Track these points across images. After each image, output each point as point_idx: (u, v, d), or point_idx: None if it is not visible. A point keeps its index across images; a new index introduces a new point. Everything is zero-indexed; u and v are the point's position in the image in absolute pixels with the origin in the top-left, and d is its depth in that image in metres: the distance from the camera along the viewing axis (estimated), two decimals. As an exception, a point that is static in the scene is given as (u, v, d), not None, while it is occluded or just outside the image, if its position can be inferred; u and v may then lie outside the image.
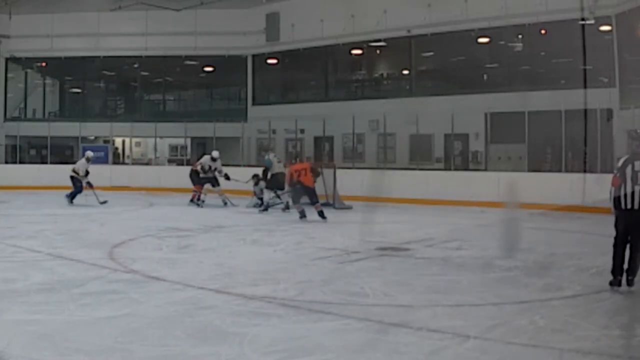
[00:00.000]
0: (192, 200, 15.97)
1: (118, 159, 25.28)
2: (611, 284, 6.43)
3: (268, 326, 5.05)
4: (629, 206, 6.33)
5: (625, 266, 6.36)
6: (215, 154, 16.26)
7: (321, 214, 12.55)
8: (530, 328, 5.06)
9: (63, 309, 5.52)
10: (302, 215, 12.77)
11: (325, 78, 24.40)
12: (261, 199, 15.18)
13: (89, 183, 15.81)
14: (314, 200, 12.91)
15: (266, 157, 15.64)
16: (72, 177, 15.93)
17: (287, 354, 4.41)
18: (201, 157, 17.11)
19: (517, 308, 5.75)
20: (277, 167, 15.13)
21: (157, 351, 4.46)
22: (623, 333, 5.01)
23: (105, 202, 15.56)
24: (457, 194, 16.15)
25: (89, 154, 16.55)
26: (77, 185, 15.85)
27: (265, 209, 14.29)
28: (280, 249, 9.25)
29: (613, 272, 6.42)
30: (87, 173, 15.90)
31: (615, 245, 6.45)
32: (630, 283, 6.35)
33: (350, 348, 4.61)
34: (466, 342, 4.68)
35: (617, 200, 6.44)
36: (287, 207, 14.15)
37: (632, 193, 6.28)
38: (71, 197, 15.75)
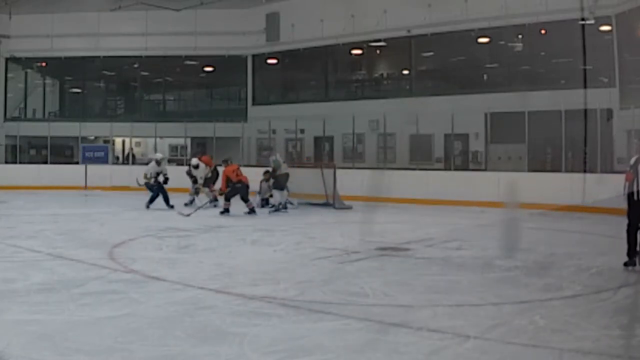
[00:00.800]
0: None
1: (134, 159, 24.83)
2: (626, 264, 7.42)
3: (268, 326, 5.05)
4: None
5: (638, 248, 7.39)
6: (158, 155, 15.79)
7: (252, 211, 13.80)
8: (530, 328, 5.06)
9: (63, 309, 5.52)
10: (227, 211, 13.71)
11: (325, 78, 24.40)
12: (265, 199, 15.25)
13: (166, 180, 15.07)
14: (247, 198, 13.94)
15: (273, 157, 15.53)
16: (146, 184, 15.11)
17: (287, 354, 4.41)
18: (194, 154, 16.90)
19: (517, 308, 5.75)
20: (284, 168, 15.19)
21: (157, 351, 4.45)
22: (623, 333, 5.01)
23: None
24: (457, 194, 16.15)
25: (158, 155, 15.79)
26: (154, 190, 14.96)
27: (277, 210, 14.38)
28: (280, 249, 9.25)
29: (628, 254, 7.42)
30: (157, 175, 15.03)
31: (628, 232, 7.46)
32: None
33: (350, 348, 4.61)
34: (466, 342, 4.68)
35: (630, 193, 7.44)
36: (284, 207, 14.47)
37: None
38: (149, 202, 14.92)
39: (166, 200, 14.93)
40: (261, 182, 15.66)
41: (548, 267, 7.80)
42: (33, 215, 13.54)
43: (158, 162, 15.30)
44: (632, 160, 7.60)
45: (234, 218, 13.58)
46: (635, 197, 7.35)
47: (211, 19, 23.70)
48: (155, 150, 24.87)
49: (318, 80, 24.63)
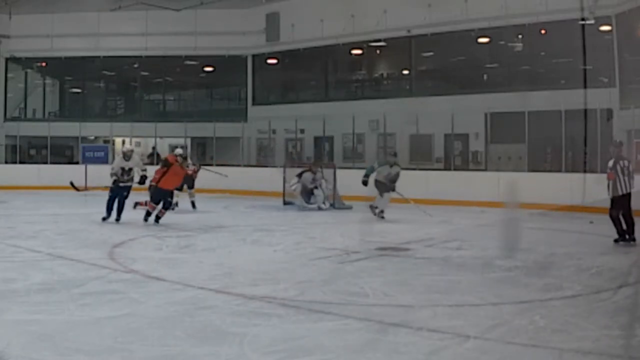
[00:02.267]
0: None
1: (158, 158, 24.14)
2: (616, 240, 9.34)
3: (268, 326, 5.05)
4: (622, 192, 9.21)
5: (624, 227, 9.31)
6: (126, 147, 13.62)
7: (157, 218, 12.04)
8: (530, 328, 5.05)
9: (63, 309, 5.52)
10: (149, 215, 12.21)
11: (325, 78, 24.38)
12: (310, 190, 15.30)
13: (142, 179, 12.52)
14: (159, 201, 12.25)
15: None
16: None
17: (287, 354, 4.40)
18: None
19: (517, 308, 5.75)
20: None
21: (157, 351, 4.45)
22: (623, 333, 5.00)
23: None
24: (457, 194, 16.16)
25: (126, 147, 13.35)
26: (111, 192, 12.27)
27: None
28: (280, 249, 9.25)
29: (618, 233, 9.35)
30: (123, 172, 12.25)
31: (611, 217, 9.36)
32: (632, 239, 9.33)
33: (350, 348, 4.60)
34: (466, 342, 4.68)
35: (614, 192, 9.32)
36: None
37: (622, 182, 9.28)
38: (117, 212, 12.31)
39: (118, 209, 12.17)
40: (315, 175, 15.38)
41: (548, 267, 7.80)
42: (33, 215, 13.54)
43: (126, 156, 12.38)
44: (610, 163, 9.39)
45: (234, 218, 13.58)
46: (620, 193, 9.14)
47: (211, 19, 23.69)
48: (155, 148, 24.71)
49: (318, 80, 24.60)
